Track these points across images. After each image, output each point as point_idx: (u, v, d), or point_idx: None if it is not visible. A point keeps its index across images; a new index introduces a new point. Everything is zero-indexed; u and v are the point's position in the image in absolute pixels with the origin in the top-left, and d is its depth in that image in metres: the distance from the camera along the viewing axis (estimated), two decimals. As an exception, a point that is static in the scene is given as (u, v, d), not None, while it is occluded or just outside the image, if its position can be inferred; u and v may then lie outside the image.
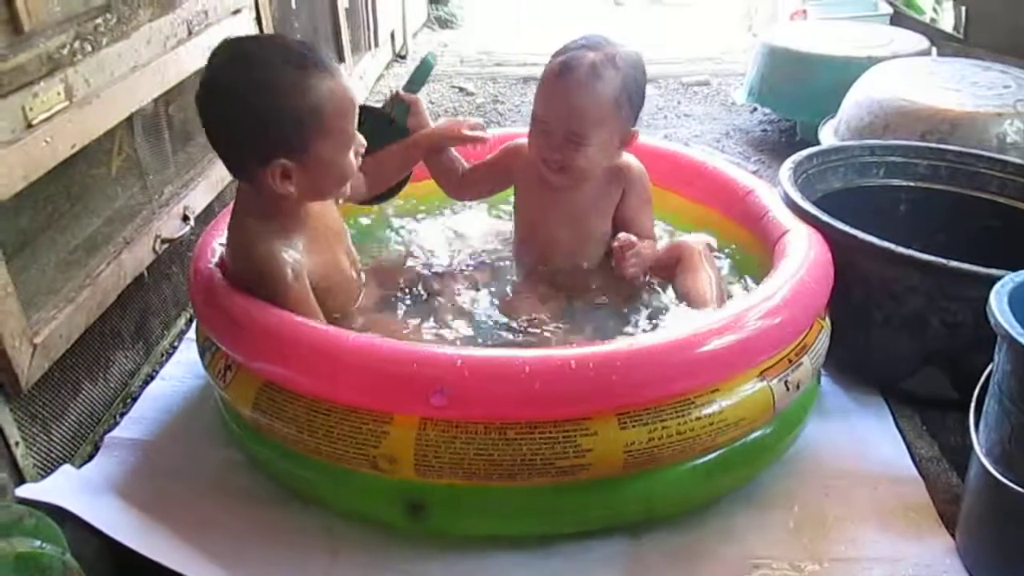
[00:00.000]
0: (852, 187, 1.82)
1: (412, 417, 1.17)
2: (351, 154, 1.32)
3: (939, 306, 1.44)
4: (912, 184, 1.83)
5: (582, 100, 1.45)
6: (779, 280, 1.34)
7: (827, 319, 1.44)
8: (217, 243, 1.44)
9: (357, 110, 1.31)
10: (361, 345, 1.20)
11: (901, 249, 1.43)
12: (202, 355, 1.42)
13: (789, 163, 1.73)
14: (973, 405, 1.21)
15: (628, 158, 1.61)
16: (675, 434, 1.18)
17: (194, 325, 1.54)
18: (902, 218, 1.81)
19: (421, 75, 1.69)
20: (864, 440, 1.46)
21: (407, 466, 1.17)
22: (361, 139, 1.34)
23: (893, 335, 1.51)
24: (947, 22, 2.98)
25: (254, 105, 1.21)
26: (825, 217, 1.52)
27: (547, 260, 1.63)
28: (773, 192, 1.67)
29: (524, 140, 1.59)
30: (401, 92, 1.64)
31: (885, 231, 1.49)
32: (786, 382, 1.28)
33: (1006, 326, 1.07)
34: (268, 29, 2.21)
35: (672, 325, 1.43)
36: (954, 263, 1.39)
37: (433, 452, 1.16)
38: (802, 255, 1.41)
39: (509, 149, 1.67)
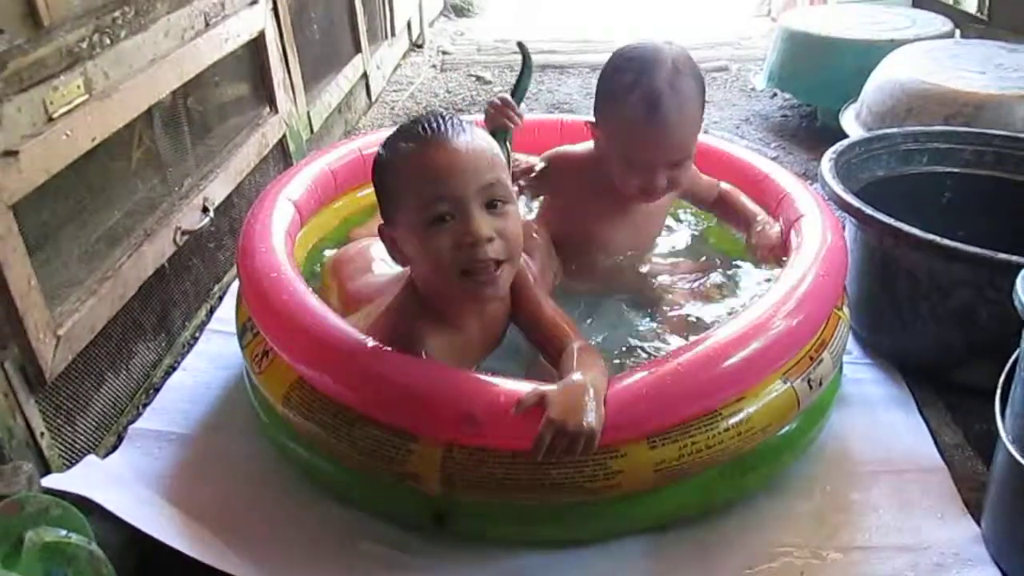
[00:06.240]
0: (895, 175, 1.79)
1: (439, 438, 1.15)
2: (442, 236, 1.14)
3: (988, 297, 1.41)
4: (956, 170, 1.80)
5: None
6: (792, 279, 1.32)
7: (844, 309, 1.42)
8: (264, 225, 1.47)
9: (456, 185, 1.13)
10: (395, 362, 1.18)
11: (947, 242, 1.40)
12: (240, 336, 1.43)
13: (830, 154, 1.70)
14: (999, 391, 1.19)
15: None
16: (704, 448, 1.16)
17: (227, 305, 1.52)
18: (947, 205, 1.78)
19: (523, 83, 1.66)
20: (888, 428, 1.45)
21: (432, 483, 1.15)
22: (478, 229, 1.13)
23: (940, 327, 1.48)
24: (971, 3, 2.93)
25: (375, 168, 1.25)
26: (868, 210, 1.50)
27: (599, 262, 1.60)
28: (788, 175, 1.67)
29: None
30: (499, 100, 1.59)
31: (930, 219, 1.46)
32: (808, 380, 1.26)
33: (1032, 312, 1.05)
34: (285, 20, 2.21)
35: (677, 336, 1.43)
36: (1002, 255, 1.35)
37: (459, 473, 1.14)
38: (815, 247, 1.39)
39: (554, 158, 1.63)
